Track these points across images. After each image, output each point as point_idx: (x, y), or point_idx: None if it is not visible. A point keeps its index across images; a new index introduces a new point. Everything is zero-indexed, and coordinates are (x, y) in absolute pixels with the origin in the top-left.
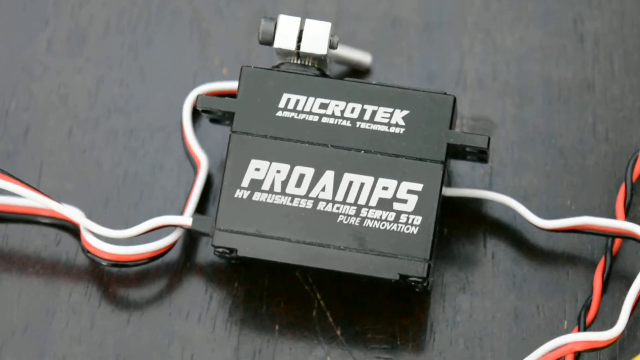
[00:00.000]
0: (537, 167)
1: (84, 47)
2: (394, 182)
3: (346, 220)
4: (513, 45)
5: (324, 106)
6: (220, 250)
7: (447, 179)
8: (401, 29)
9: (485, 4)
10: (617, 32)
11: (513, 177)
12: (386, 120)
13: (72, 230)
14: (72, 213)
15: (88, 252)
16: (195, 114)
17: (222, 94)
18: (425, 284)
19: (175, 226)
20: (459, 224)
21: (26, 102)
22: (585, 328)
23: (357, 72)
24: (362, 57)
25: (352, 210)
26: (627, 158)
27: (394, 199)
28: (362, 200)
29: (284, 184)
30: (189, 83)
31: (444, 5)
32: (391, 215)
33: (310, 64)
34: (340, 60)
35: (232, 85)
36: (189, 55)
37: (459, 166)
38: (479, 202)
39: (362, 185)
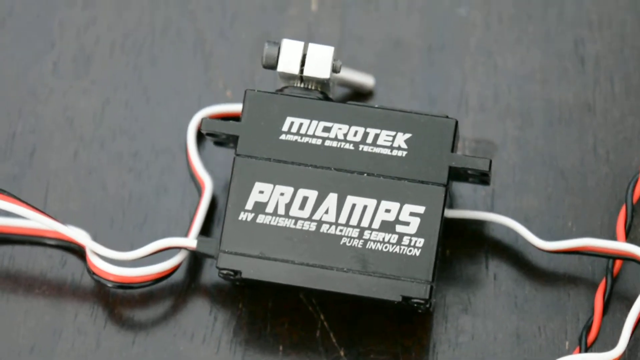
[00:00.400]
0: (538, 188)
1: (90, 69)
2: (397, 205)
3: (349, 242)
4: (514, 68)
5: (327, 129)
6: (225, 272)
7: (449, 201)
8: (404, 52)
9: (487, 26)
10: (618, 55)
11: (514, 199)
12: (389, 144)
13: (78, 251)
14: (78, 235)
15: (94, 273)
16: (200, 136)
17: (226, 117)
18: (427, 306)
19: (180, 248)
20: (460, 245)
21: (32, 124)
22: (587, 349)
23: (359, 94)
24: (365, 79)
25: (355, 233)
26: (628, 180)
27: (397, 221)
28: (365, 223)
29: (288, 206)
30: (194, 105)
31: (446, 28)
32: (394, 238)
33: (313, 87)
34: (343, 83)
35: (236, 107)
36: (193, 77)
37: (461, 188)
38: (480, 223)
39: (365, 207)
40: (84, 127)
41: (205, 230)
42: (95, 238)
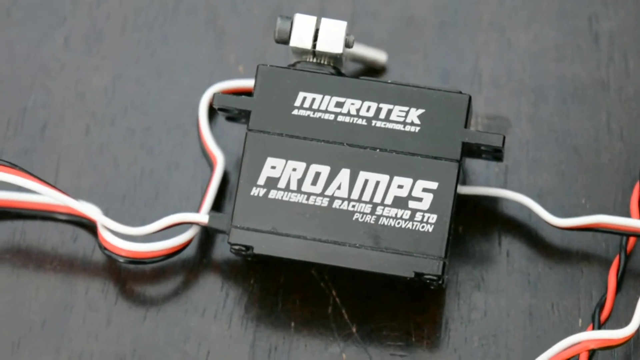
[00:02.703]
0: (551, 165)
1: (101, 44)
2: (410, 181)
3: (362, 218)
4: (528, 44)
5: (339, 105)
6: (237, 247)
7: (462, 177)
8: (416, 28)
9: (500, 2)
10: (632, 31)
11: (528, 176)
12: (401, 119)
13: (89, 227)
14: (89, 210)
15: (105, 249)
16: (212, 112)
17: (238, 92)
18: (440, 282)
19: (191, 223)
20: (473, 222)
21: (43, 99)
22: (600, 326)
23: (372, 70)
24: (378, 55)
25: (367, 209)
26: None
27: (409, 197)
28: (377, 199)
29: (300, 182)
30: (205, 81)
31: (459, 3)
32: (406, 214)
33: (326, 62)
34: (356, 59)
35: (248, 83)
36: (205, 52)
37: (474, 164)
38: (493, 200)
39: (377, 183)
40: (95, 103)
41: (217, 206)
42: (106, 214)
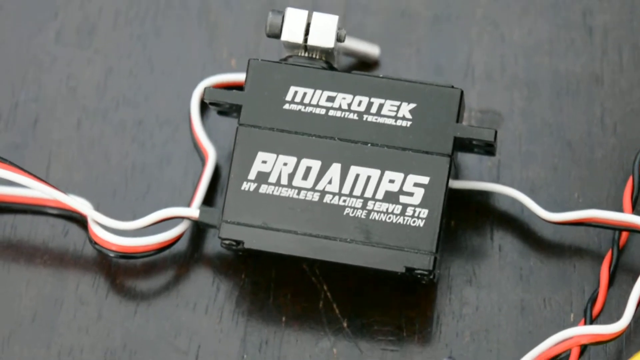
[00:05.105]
0: (544, 159)
1: (93, 38)
2: (401, 175)
3: (352, 213)
4: (521, 38)
5: (331, 99)
6: (227, 242)
7: (454, 171)
8: (410, 21)
9: None
10: (626, 25)
11: (521, 170)
12: (393, 114)
13: (80, 221)
14: (79, 205)
15: (96, 243)
16: (204, 106)
17: (230, 86)
18: (431, 277)
19: (182, 218)
20: (466, 217)
21: (35, 93)
22: (592, 321)
23: (365, 64)
24: (371, 49)
25: (358, 203)
26: (635, 151)
27: (401, 192)
28: (368, 193)
29: (291, 176)
30: (198, 74)
31: None
32: (397, 208)
33: (317, 56)
34: (349, 52)
35: (240, 77)
36: (198, 46)
37: (466, 158)
38: (486, 194)
39: (368, 178)
40: (87, 97)
41: (209, 200)
42: (98, 208)
